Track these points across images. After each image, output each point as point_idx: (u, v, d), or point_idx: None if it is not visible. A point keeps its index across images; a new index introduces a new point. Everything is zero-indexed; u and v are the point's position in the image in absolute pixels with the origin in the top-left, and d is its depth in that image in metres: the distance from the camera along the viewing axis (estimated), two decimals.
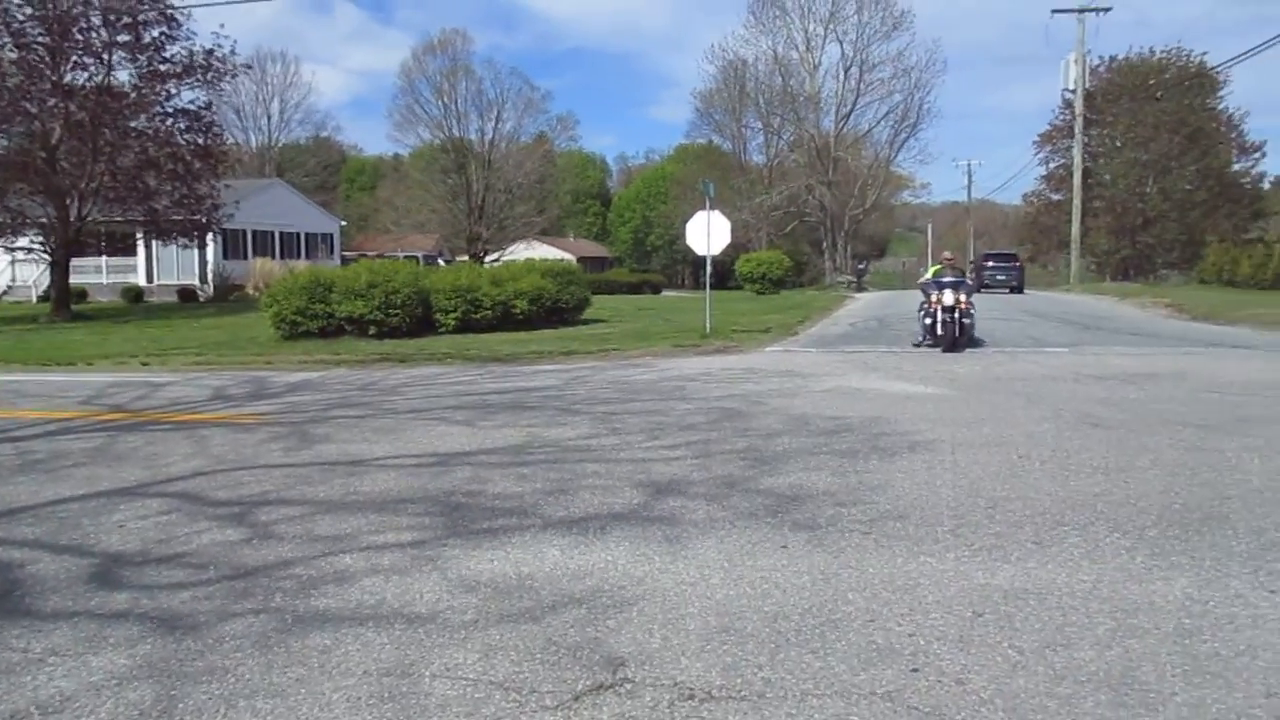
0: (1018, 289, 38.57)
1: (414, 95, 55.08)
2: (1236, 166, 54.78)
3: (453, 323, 20.32)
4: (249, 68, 38.15)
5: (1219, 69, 51.44)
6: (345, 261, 39.52)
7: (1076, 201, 46.95)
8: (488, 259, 50.55)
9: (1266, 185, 58.49)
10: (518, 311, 21.08)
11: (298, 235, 46.59)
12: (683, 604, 4.29)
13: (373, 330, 19.35)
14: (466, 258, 51.13)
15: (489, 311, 20.62)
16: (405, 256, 41.98)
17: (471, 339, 18.83)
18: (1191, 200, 52.33)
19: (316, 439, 8.57)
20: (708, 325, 19.11)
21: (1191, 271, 46.83)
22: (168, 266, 39.23)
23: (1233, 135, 54.45)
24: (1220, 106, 54.21)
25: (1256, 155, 55.40)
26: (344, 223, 56.96)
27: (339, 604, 4.37)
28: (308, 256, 43.67)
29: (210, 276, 38.60)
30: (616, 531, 5.41)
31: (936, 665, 3.61)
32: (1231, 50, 53.12)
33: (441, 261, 50.37)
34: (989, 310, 22.74)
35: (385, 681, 3.56)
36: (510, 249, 55.02)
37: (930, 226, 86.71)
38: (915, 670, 3.57)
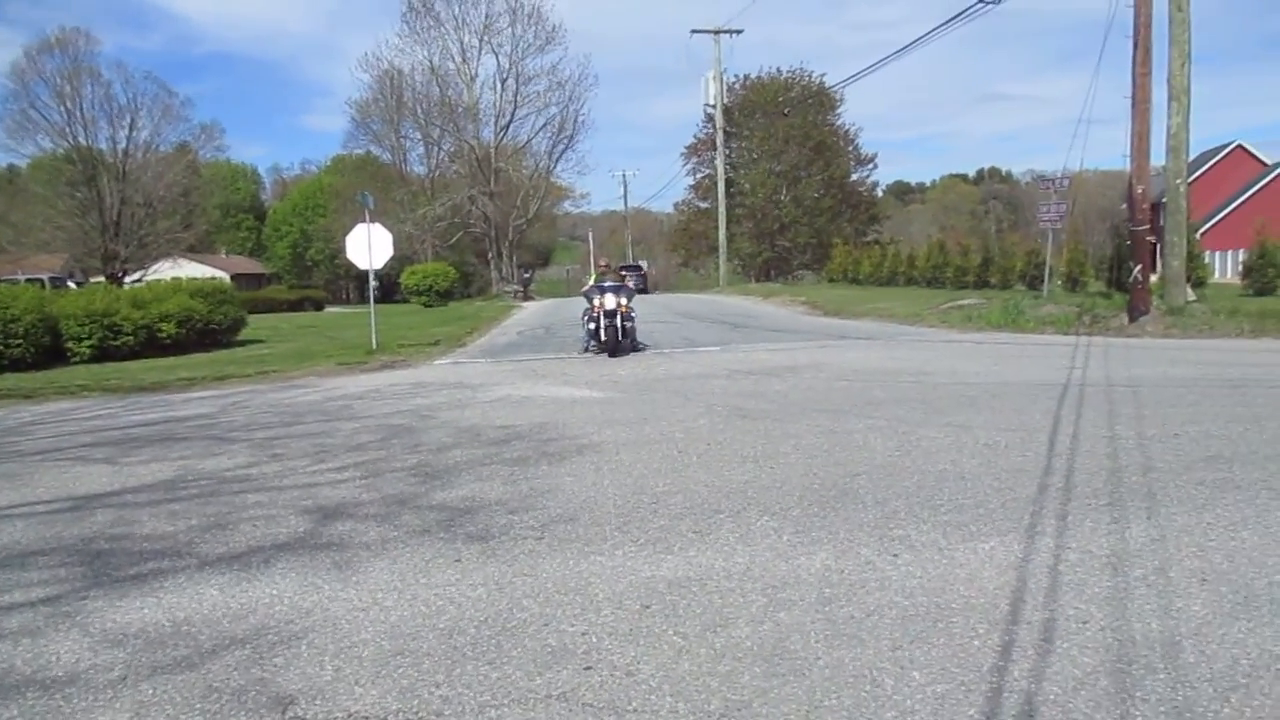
0: (645, 290, 48.06)
1: (29, 99, 49.18)
2: (854, 176, 61.23)
3: (88, 351, 18.49)
4: None
5: (835, 88, 57.20)
6: None
7: (721, 209, 50.37)
8: (128, 280, 46.29)
9: (879, 193, 66.00)
10: (164, 335, 19.58)
11: None
12: (355, 631, 4.17)
13: None
14: (103, 279, 46.58)
15: (131, 337, 18.98)
16: (27, 279, 37.62)
17: (112, 368, 17.21)
18: (819, 207, 57.66)
19: None
20: (374, 341, 18.66)
21: (822, 271, 51.56)
22: None
23: (850, 148, 60.76)
24: (839, 122, 60.37)
25: (870, 166, 62.52)
26: None
27: None
28: None
29: None
30: (282, 563, 5.16)
31: (609, 660, 3.75)
32: (849, 71, 59.07)
33: (73, 284, 45.36)
34: (648, 314, 23.84)
35: None
36: (154, 268, 50.67)
37: (591, 235, 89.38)
38: (589, 668, 3.69)
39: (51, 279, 44.43)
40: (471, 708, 3.40)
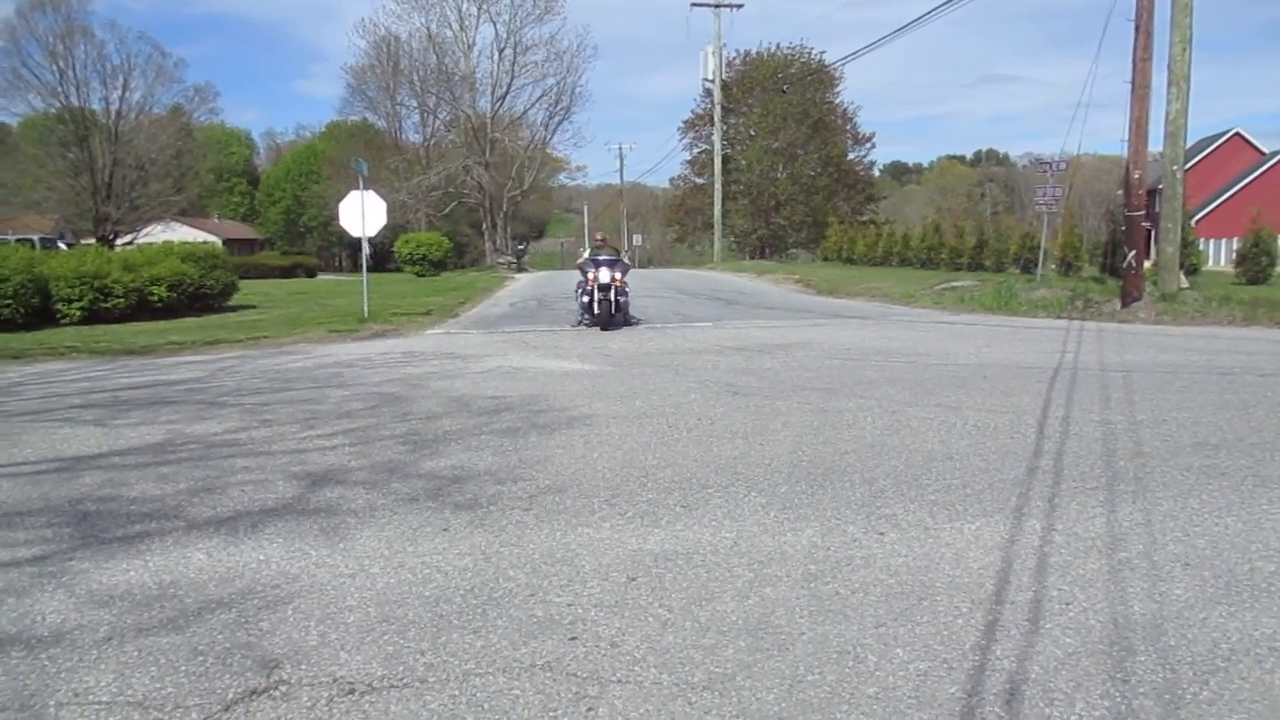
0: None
1: (20, 57, 48.53)
2: (851, 156, 61.18)
3: (78, 313, 18.40)
4: None
5: (834, 66, 57.01)
6: None
7: (718, 185, 50.20)
8: (119, 242, 45.99)
9: (876, 173, 66.03)
10: (155, 299, 19.50)
11: None
12: (342, 597, 4.18)
13: None
14: (94, 241, 46.28)
15: (121, 300, 18.90)
16: (18, 239, 37.38)
17: (101, 330, 17.14)
18: (815, 185, 57.66)
19: None
20: (365, 309, 18.61)
21: (817, 249, 51.53)
22: None
23: (848, 127, 60.65)
24: (837, 100, 60.21)
25: (868, 146, 62.49)
26: None
27: None
28: None
29: None
30: (269, 527, 5.16)
31: (594, 631, 3.76)
32: (848, 49, 58.90)
33: (63, 245, 45.06)
34: (641, 289, 23.80)
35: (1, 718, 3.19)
36: (146, 231, 50.36)
37: (586, 208, 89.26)
38: (574, 639, 3.70)
39: (42, 240, 44.12)
40: (456, 675, 3.41)
